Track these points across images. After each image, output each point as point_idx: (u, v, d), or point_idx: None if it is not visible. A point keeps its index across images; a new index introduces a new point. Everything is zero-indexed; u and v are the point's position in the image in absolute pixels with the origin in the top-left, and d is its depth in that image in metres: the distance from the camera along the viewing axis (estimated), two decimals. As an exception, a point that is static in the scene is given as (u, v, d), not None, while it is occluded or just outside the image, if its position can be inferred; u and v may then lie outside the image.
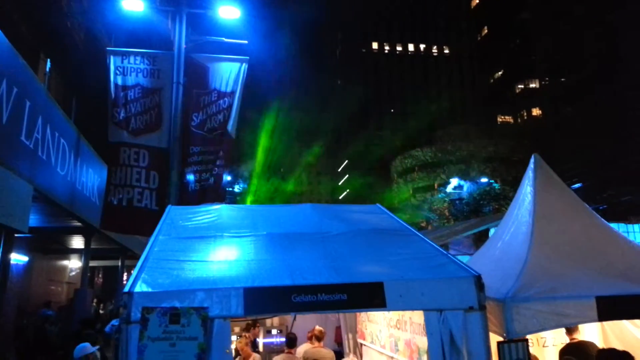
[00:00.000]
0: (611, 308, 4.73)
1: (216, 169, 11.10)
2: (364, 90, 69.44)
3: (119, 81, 10.90)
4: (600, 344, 6.25)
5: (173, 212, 6.27)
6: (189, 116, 11.14)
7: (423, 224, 38.67)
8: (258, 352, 7.83)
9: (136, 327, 3.80)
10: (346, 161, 68.61)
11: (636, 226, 13.78)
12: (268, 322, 8.35)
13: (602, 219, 6.45)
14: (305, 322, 8.01)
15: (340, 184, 68.76)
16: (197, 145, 11.07)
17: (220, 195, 11.34)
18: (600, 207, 26.86)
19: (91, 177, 11.82)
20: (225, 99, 11.60)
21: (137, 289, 3.95)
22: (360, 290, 4.34)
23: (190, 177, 11.07)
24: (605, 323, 6.48)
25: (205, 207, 6.58)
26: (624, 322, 6.24)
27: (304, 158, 55.71)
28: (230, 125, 11.50)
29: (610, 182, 35.40)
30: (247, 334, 7.36)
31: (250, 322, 7.66)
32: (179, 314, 3.86)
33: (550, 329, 4.93)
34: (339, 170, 70.70)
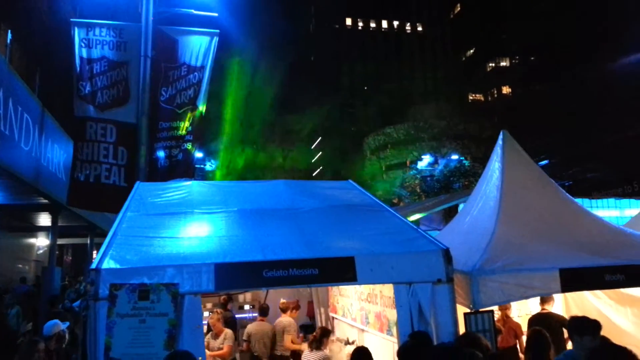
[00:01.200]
0: (574, 280, 4.90)
1: (185, 144, 10.91)
2: (337, 66, 68.98)
3: (84, 54, 10.51)
4: (564, 315, 6.49)
5: (142, 189, 6.16)
6: (157, 91, 10.85)
7: (395, 201, 39.12)
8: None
9: (104, 304, 3.76)
10: (320, 138, 68.46)
11: (599, 201, 14.24)
12: (241, 297, 8.38)
13: (568, 195, 6.63)
14: (278, 297, 8.08)
15: (313, 160, 68.74)
16: (167, 121, 10.83)
17: (190, 171, 11.18)
18: (566, 183, 27.66)
19: (57, 153, 11.47)
20: (195, 73, 11.33)
21: (105, 265, 3.89)
22: (331, 264, 4.38)
23: (160, 153, 10.85)
24: (568, 295, 6.74)
25: (175, 183, 6.48)
26: (586, 293, 6.50)
27: (278, 134, 55.38)
28: (201, 101, 11.27)
29: (575, 159, 36.42)
30: (219, 310, 7.38)
31: (226, 297, 7.69)
32: (148, 290, 3.82)
33: (515, 300, 5.09)
34: (313, 147, 70.56)
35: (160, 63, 10.95)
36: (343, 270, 4.40)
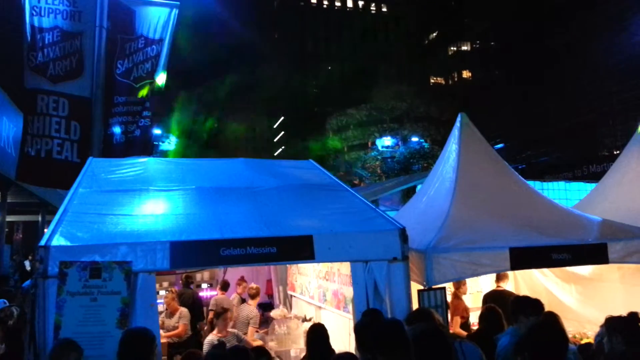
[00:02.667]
0: (523, 258, 5.10)
1: (143, 120, 10.59)
2: (301, 45, 68.22)
3: (35, 22, 9.99)
4: (514, 292, 6.77)
5: (95, 165, 5.96)
6: (113, 64, 10.45)
7: (356, 181, 39.48)
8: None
9: (54, 282, 3.66)
10: (282, 117, 67.95)
11: (550, 184, 14.83)
12: (198, 276, 8.31)
13: (520, 177, 6.85)
14: (236, 275, 8.07)
15: (275, 140, 68.29)
16: (123, 95, 10.47)
17: (148, 148, 10.88)
18: (520, 167, 28.62)
19: (6, 126, 10.94)
20: (154, 46, 10.96)
21: (54, 242, 3.77)
22: (289, 243, 4.40)
23: (116, 129, 10.51)
24: (517, 272, 7.01)
25: (131, 160, 6.30)
26: (534, 271, 6.79)
27: (240, 113, 54.57)
28: (159, 75, 10.93)
29: (530, 143, 37.66)
30: (173, 289, 7.30)
31: (190, 275, 7.61)
32: (100, 268, 3.73)
33: (466, 277, 5.28)
34: (275, 127, 70.00)
35: (117, 35, 10.53)
36: (301, 249, 4.43)
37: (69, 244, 3.79)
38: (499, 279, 6.56)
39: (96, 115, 9.81)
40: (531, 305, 4.33)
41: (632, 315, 3.86)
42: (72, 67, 10.21)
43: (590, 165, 22.32)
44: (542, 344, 2.72)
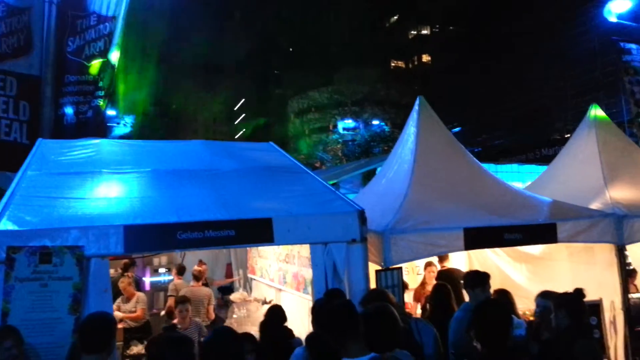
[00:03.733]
0: (476, 238, 5.27)
1: (95, 100, 10.21)
2: (262, 26, 67.09)
3: (-22, -4, 9.41)
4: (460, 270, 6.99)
5: (45, 146, 5.72)
6: (63, 41, 10.01)
7: (317, 164, 39.55)
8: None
9: (1, 268, 3.51)
10: (243, 100, 66.99)
11: (504, 166, 15.33)
12: (155, 261, 8.17)
13: (476, 160, 7.02)
14: (195, 259, 7.98)
15: (236, 123, 67.37)
16: (74, 74, 10.05)
17: (102, 130, 10.53)
18: (476, 150, 29.32)
19: (-54, 106, 10.33)
20: (106, 24, 10.53)
21: (1, 227, 3.61)
22: (248, 226, 4.37)
23: (67, 109, 10.11)
24: (471, 252, 7.24)
25: (83, 141, 6.07)
26: (487, 251, 7.03)
27: (198, 95, 53.48)
28: (112, 54, 10.54)
29: (485, 127, 38.64)
30: (129, 274, 7.16)
31: (128, 261, 7.44)
32: (50, 253, 3.61)
33: (422, 257, 5.41)
34: (235, 109, 68.97)
35: (67, 11, 10.07)
36: (260, 232, 4.42)
37: (17, 228, 3.64)
38: (441, 259, 6.79)
39: (46, 95, 9.41)
40: (479, 279, 4.50)
41: (577, 291, 4.06)
42: (19, 44, 9.70)
43: (542, 148, 23.12)
44: (487, 322, 2.84)
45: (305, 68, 57.82)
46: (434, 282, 6.41)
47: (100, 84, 10.46)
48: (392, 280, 4.93)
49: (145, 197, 4.54)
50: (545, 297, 4.17)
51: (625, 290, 5.88)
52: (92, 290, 3.70)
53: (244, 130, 62.53)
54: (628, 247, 6.01)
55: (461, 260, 7.40)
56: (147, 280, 8.15)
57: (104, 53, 10.53)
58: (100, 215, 4.02)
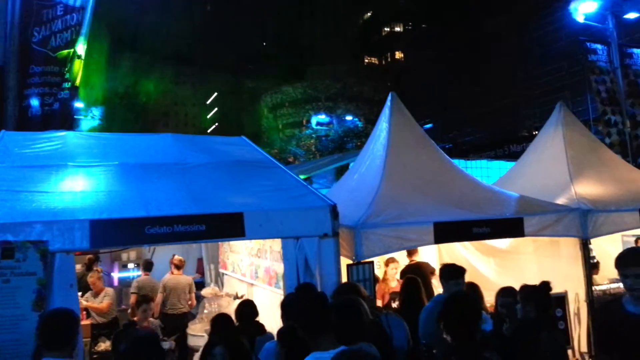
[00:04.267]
0: (446, 232, 5.35)
1: (62, 92, 9.92)
2: (235, 19, 66.45)
3: None
4: (437, 265, 7.10)
5: (8, 139, 5.51)
6: (28, 31, 9.67)
7: (291, 159, 39.48)
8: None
9: (-40, 264, 3.38)
10: (215, 93, 66.25)
11: (474, 162, 15.64)
12: (124, 256, 8.01)
13: (446, 155, 7.11)
14: (165, 254, 7.86)
15: (208, 117, 66.61)
16: (39, 65, 9.72)
17: (68, 122, 10.23)
18: (447, 146, 29.77)
19: None
20: (74, 14, 10.22)
21: (-40, 222, 3.47)
22: (219, 220, 4.32)
23: (33, 101, 9.78)
24: (441, 246, 7.34)
25: (48, 133, 5.88)
26: (456, 244, 7.14)
27: (169, 88, 52.60)
28: (80, 45, 10.25)
29: (456, 123, 39.27)
30: (98, 269, 7.00)
31: (92, 256, 7.28)
32: (13, 248, 3.49)
33: (393, 251, 5.46)
34: (208, 102, 68.16)
35: (33, 0, 9.75)
36: (231, 226, 4.37)
37: (-24, 223, 3.51)
38: (410, 253, 6.89)
39: (9, 86, 9.08)
40: (454, 272, 4.57)
41: (544, 284, 4.17)
42: (-19, 33, 9.36)
43: (511, 145, 23.66)
44: (456, 314, 2.89)
45: (279, 63, 57.60)
46: (397, 278, 6.48)
47: (67, 75, 10.17)
48: (364, 274, 4.96)
49: (112, 191, 4.44)
50: (506, 296, 4.28)
51: (589, 283, 6.07)
52: (57, 286, 3.60)
53: (217, 124, 61.92)
54: (592, 241, 6.20)
55: (431, 254, 7.50)
56: (116, 275, 7.99)
57: (70, 44, 10.23)
58: (65, 209, 3.91)
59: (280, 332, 3.42)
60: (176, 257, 7.35)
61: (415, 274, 5.70)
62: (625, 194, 6.62)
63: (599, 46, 15.96)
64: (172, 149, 5.88)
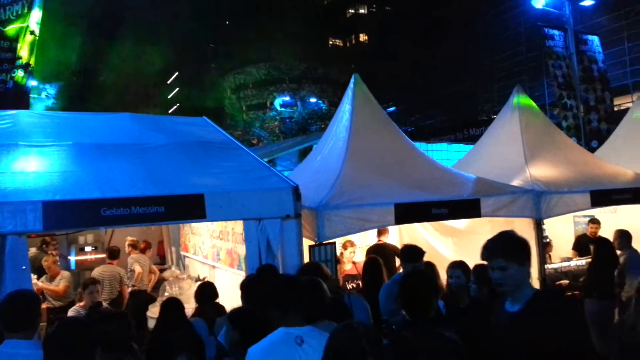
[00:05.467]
0: (406, 213, 5.45)
1: (15, 70, 9.49)
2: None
3: None
4: (398, 245, 7.23)
5: (-47, 117, 5.24)
6: (-25, 4, 9.18)
7: (254, 141, 39.12)
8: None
9: None
10: (176, 73, 64.59)
11: (435, 145, 15.97)
12: (81, 239, 7.80)
13: (408, 138, 7.21)
14: (124, 237, 7.70)
15: (169, 97, 64.99)
16: (-12, 40, 9.27)
17: (22, 101, 9.83)
18: (409, 129, 30.16)
19: None
20: (24, -15, 9.75)
21: None
22: (179, 202, 4.26)
23: (-18, 78, 9.34)
24: (402, 226, 7.48)
25: (-2, 112, 5.61)
26: (416, 225, 7.29)
27: (128, 66, 50.87)
28: (32, 19, 9.79)
29: (418, 107, 39.75)
30: (54, 252, 6.80)
31: (47, 238, 7.06)
32: (-41, 231, 3.34)
33: (355, 232, 5.52)
34: (169, 82, 66.42)
35: (-22, -29, 9.22)
36: (191, 208, 4.32)
37: None
38: (380, 233, 7.00)
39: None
40: (414, 252, 4.67)
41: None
42: None
43: (470, 128, 24.14)
44: (411, 292, 2.97)
45: (243, 43, 56.53)
46: (352, 261, 6.57)
47: (20, 51, 9.72)
48: (326, 255, 5.01)
49: (66, 172, 4.29)
50: (456, 268, 4.40)
51: (542, 261, 6.33)
52: (9, 269, 3.48)
53: (178, 104, 60.53)
54: (545, 221, 6.45)
55: (393, 235, 7.63)
56: (73, 259, 7.78)
57: (22, 17, 9.77)
58: (16, 190, 3.76)
59: (231, 314, 3.42)
60: (128, 238, 7.19)
61: (379, 254, 5.80)
62: (577, 176, 6.89)
63: (556, 32, 16.41)
64: (130, 129, 5.73)
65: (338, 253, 7.02)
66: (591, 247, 6.80)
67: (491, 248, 2.66)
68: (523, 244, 2.63)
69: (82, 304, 5.34)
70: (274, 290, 2.92)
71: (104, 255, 7.71)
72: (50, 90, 32.23)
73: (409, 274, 3.29)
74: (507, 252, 2.57)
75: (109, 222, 3.94)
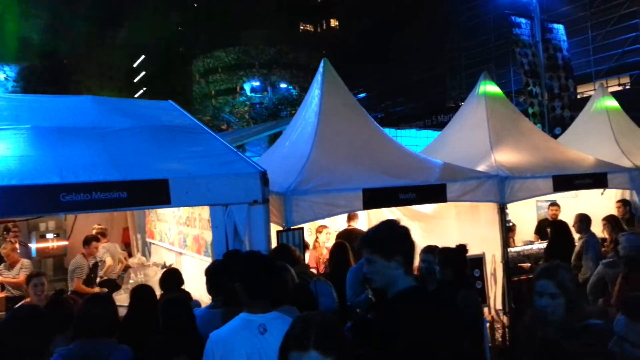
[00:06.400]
0: (374, 198, 5.48)
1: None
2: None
3: None
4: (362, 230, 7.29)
5: None
6: None
7: (224, 127, 38.64)
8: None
9: None
10: (143, 56, 62.98)
11: (404, 131, 16.11)
12: (42, 225, 7.55)
13: (377, 124, 7.23)
14: (87, 224, 7.51)
15: (136, 80, 63.40)
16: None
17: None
18: (379, 115, 30.33)
19: None
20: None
21: None
22: (142, 187, 4.15)
23: None
24: (370, 211, 7.53)
25: (-52, 93, 5.35)
26: (384, 210, 7.35)
27: (93, 49, 49.30)
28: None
29: (388, 94, 39.96)
30: (13, 239, 6.58)
31: (9, 225, 6.82)
32: None
33: (323, 217, 5.54)
34: (135, 65, 64.72)
35: None
36: (156, 193, 4.21)
37: None
38: (350, 218, 7.05)
39: None
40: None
41: (460, 247, 4.40)
42: None
43: (438, 115, 24.45)
44: None
45: (211, 26, 55.48)
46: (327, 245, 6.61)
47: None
48: (294, 240, 5.01)
49: (23, 156, 4.12)
50: (428, 252, 4.47)
51: (505, 245, 6.49)
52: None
53: (144, 89, 59.17)
54: (508, 205, 6.60)
55: (362, 220, 7.68)
56: (34, 246, 7.53)
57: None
58: (-33, 175, 3.60)
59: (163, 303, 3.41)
60: (96, 226, 7.01)
61: (348, 239, 5.83)
62: (540, 161, 7.06)
63: (523, 20, 16.67)
64: (92, 112, 5.54)
65: (313, 238, 7.06)
66: (548, 230, 7.02)
67: (362, 239, 2.49)
68: (394, 237, 2.39)
69: (28, 300, 5.14)
70: (239, 276, 2.88)
71: (66, 243, 7.52)
72: (10, 72, 30.97)
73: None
74: (374, 245, 2.38)
75: (69, 208, 3.81)
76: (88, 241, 6.75)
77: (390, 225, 2.44)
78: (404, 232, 2.39)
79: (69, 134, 4.79)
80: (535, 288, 2.49)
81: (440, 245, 4.71)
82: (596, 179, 7.09)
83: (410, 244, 2.39)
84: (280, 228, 4.99)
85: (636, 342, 2.25)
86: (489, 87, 8.11)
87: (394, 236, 2.37)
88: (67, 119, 5.20)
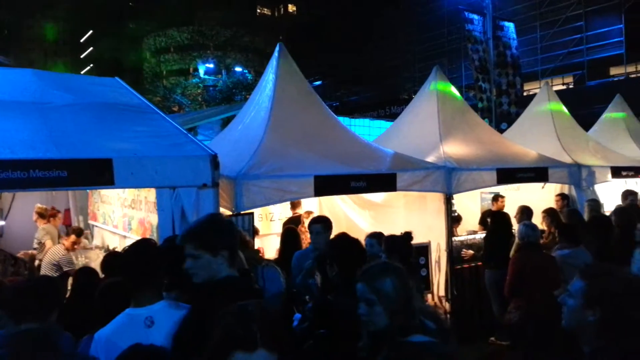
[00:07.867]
0: (325, 185, 5.49)
1: None
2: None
3: None
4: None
5: None
6: None
7: (175, 109, 37.60)
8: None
9: None
10: (91, 31, 60.17)
11: (357, 120, 16.25)
12: (-26, 205, 7.15)
13: (331, 112, 7.22)
14: (26, 204, 7.15)
15: (82, 56, 60.57)
16: None
17: None
18: (334, 104, 30.44)
19: None
20: None
21: None
22: (84, 166, 3.96)
23: None
24: (321, 199, 7.57)
25: None
26: (335, 198, 7.41)
27: (35, 20, 46.64)
28: None
29: (344, 83, 40.13)
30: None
31: None
32: None
33: (274, 203, 5.52)
34: (82, 40, 61.77)
35: None
36: (98, 173, 4.03)
37: None
38: (294, 206, 7.07)
39: None
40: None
41: (406, 234, 4.50)
42: None
43: (392, 106, 24.85)
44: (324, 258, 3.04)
45: (164, 3, 53.60)
46: None
47: None
48: (244, 225, 4.96)
49: (-47, 130, 3.86)
50: (372, 237, 4.55)
51: (450, 234, 6.68)
52: None
53: (91, 65, 56.67)
54: (455, 196, 6.79)
55: (313, 207, 7.70)
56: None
57: None
58: None
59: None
60: (38, 205, 6.70)
61: (295, 225, 5.84)
62: (486, 154, 7.30)
63: (475, 16, 17.08)
64: (32, 86, 5.23)
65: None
66: (488, 220, 7.30)
67: (184, 235, 2.41)
68: (220, 232, 2.37)
69: None
70: (124, 262, 2.74)
71: (2, 223, 7.15)
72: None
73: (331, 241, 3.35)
74: (199, 240, 2.31)
75: (4, 185, 3.59)
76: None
77: (215, 220, 2.41)
78: (229, 226, 2.39)
79: (7, 108, 4.51)
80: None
81: (389, 232, 4.79)
82: (538, 173, 7.41)
83: (235, 238, 2.39)
84: (230, 213, 4.91)
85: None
86: (440, 81, 8.27)
87: (219, 231, 2.35)
88: (4, 93, 4.89)
